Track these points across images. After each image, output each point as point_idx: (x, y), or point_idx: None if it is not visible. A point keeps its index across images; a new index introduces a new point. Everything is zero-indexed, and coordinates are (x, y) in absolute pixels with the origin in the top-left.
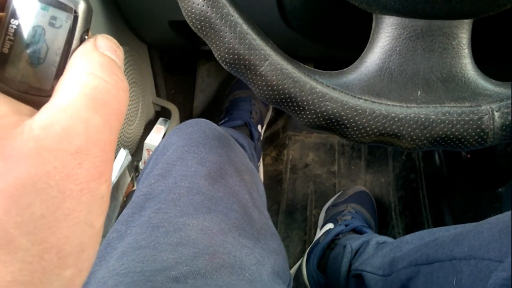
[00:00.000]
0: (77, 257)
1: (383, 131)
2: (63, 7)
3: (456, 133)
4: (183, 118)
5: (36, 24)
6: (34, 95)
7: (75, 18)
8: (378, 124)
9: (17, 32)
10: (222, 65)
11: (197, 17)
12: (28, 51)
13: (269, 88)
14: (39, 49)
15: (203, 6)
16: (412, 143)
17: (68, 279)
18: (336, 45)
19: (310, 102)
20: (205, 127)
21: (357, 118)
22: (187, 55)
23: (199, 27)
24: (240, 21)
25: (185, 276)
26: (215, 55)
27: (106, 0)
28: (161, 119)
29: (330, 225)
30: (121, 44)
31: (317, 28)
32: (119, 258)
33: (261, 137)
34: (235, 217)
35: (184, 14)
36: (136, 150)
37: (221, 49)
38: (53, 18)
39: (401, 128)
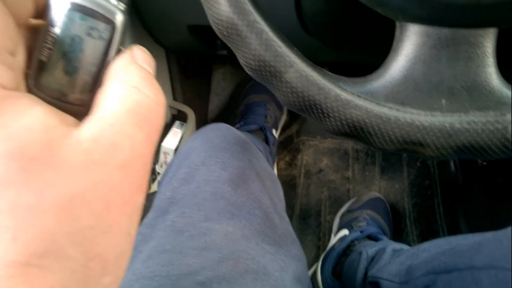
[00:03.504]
0: (116, 265)
1: (408, 139)
2: (102, 19)
3: (481, 142)
4: (198, 121)
5: (74, 33)
6: (70, 104)
7: (113, 30)
8: (403, 132)
9: (56, 40)
10: (247, 71)
11: (224, 24)
12: (65, 59)
13: (294, 94)
14: (76, 59)
15: (230, 13)
16: (437, 152)
17: (107, 285)
18: (353, 51)
19: (335, 109)
20: (226, 132)
21: (382, 126)
22: (202, 59)
23: (225, 33)
24: (266, 28)
25: (210, 280)
26: (240, 61)
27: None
28: (177, 122)
29: (345, 231)
30: None
31: (335, 34)
32: (144, 261)
33: (276, 142)
34: (258, 222)
35: (210, 20)
36: None
37: (247, 55)
38: (92, 28)
39: (426, 136)
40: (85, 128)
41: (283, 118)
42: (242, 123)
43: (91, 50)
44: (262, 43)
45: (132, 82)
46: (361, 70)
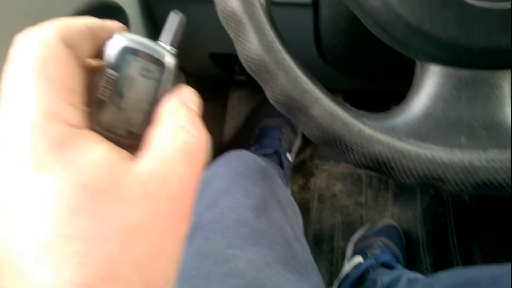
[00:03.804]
0: None
1: (428, 175)
2: (154, 60)
3: (499, 180)
4: (213, 144)
5: (129, 74)
6: (124, 138)
7: (164, 71)
8: (424, 167)
9: (113, 81)
10: (274, 105)
11: (254, 61)
12: (121, 98)
13: (319, 128)
14: (131, 97)
15: (260, 51)
16: (456, 187)
17: None
18: (369, 80)
19: (358, 143)
20: (249, 160)
21: (403, 161)
22: (219, 82)
23: (255, 70)
24: (293, 65)
25: None
26: (268, 95)
27: (150, 30)
28: None
29: (359, 258)
30: None
31: (353, 64)
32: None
33: (290, 165)
34: (280, 250)
35: (240, 57)
36: None
37: (275, 90)
38: (145, 69)
39: (446, 172)
40: (142, 163)
41: (297, 142)
42: (257, 146)
43: (144, 89)
44: (289, 79)
45: (181, 123)
46: (374, 97)
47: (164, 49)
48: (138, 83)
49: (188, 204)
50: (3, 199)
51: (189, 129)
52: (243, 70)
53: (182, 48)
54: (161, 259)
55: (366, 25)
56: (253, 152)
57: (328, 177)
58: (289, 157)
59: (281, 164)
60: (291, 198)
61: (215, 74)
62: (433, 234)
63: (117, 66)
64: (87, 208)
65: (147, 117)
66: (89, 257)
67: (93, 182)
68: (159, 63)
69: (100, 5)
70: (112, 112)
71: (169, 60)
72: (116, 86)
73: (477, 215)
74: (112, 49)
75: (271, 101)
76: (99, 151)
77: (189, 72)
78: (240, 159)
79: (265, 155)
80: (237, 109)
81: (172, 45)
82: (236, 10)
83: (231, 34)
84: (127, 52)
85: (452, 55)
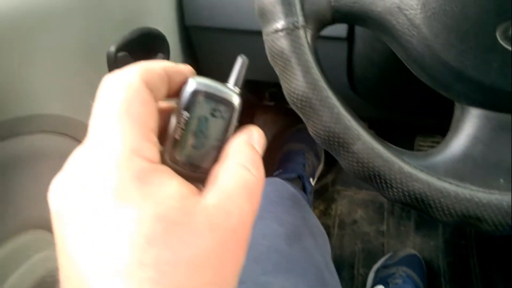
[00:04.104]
0: None
1: (466, 214)
2: (223, 101)
3: None
4: None
5: (201, 115)
6: (193, 172)
7: (233, 111)
8: (462, 207)
9: (185, 120)
10: (315, 139)
11: (299, 97)
12: (194, 137)
13: (360, 164)
14: (203, 136)
15: (306, 89)
16: (494, 228)
17: None
18: (397, 112)
19: (398, 181)
20: (280, 187)
21: (442, 199)
22: (245, 106)
23: (299, 105)
24: (337, 103)
25: None
26: (310, 130)
27: (187, 62)
28: None
29: (380, 287)
30: None
31: (383, 97)
32: None
33: (312, 190)
34: (312, 279)
35: (285, 93)
36: None
37: (318, 126)
38: (215, 110)
39: (484, 213)
40: (208, 196)
41: (320, 167)
42: (280, 170)
43: (214, 128)
44: (333, 116)
45: (245, 162)
46: (400, 128)
47: (231, 90)
48: (209, 123)
49: (246, 236)
50: (86, 223)
51: (250, 169)
52: (272, 96)
53: (213, 74)
54: (221, 286)
55: (407, 65)
56: (277, 176)
57: (350, 203)
58: (312, 182)
59: (304, 189)
60: (321, 227)
61: (245, 99)
62: (455, 265)
63: (189, 107)
64: (160, 238)
65: (216, 154)
66: (159, 283)
67: (167, 213)
68: (228, 103)
69: (144, 33)
70: (187, 151)
71: (237, 100)
72: (189, 125)
73: (501, 248)
74: (185, 92)
75: (313, 135)
76: (172, 186)
77: None
78: (271, 186)
79: (288, 180)
80: None
81: (236, 85)
82: (285, 50)
83: (277, 70)
84: (199, 94)
85: (493, 100)
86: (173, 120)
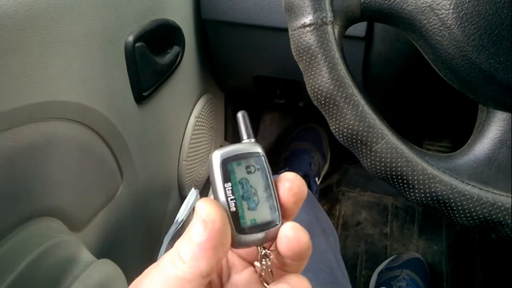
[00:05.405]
0: None
1: (488, 218)
2: (251, 155)
3: None
4: None
5: (240, 178)
6: (268, 230)
7: (262, 157)
8: (484, 210)
9: (231, 190)
10: (336, 136)
11: (323, 94)
12: (245, 200)
13: (382, 164)
14: (252, 195)
15: (331, 85)
16: None
17: None
18: (410, 114)
19: (421, 182)
20: None
21: (464, 202)
22: (254, 103)
23: (322, 102)
24: (362, 101)
25: None
26: (332, 127)
27: (202, 56)
28: None
29: None
30: (205, 91)
31: (399, 98)
32: None
33: (318, 190)
34: (324, 277)
35: (309, 90)
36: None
37: (341, 124)
38: (248, 167)
39: (507, 217)
40: None
41: (326, 167)
42: (286, 169)
43: (257, 181)
44: (357, 114)
45: None
46: (408, 131)
47: (250, 143)
48: (250, 181)
49: None
50: None
51: None
52: (283, 94)
53: (227, 69)
54: None
55: (434, 66)
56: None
57: (354, 204)
58: (317, 181)
59: (309, 188)
60: (332, 225)
61: (255, 95)
62: (458, 270)
63: (227, 177)
64: None
65: (272, 202)
66: None
67: None
68: (255, 155)
69: (162, 24)
70: (244, 215)
71: (259, 148)
72: (236, 193)
73: (504, 254)
74: (215, 167)
75: (334, 133)
76: None
77: (229, 91)
78: None
79: None
80: (268, 130)
81: (249, 137)
82: (312, 45)
83: (302, 66)
84: (228, 163)
85: None
86: (222, 199)
